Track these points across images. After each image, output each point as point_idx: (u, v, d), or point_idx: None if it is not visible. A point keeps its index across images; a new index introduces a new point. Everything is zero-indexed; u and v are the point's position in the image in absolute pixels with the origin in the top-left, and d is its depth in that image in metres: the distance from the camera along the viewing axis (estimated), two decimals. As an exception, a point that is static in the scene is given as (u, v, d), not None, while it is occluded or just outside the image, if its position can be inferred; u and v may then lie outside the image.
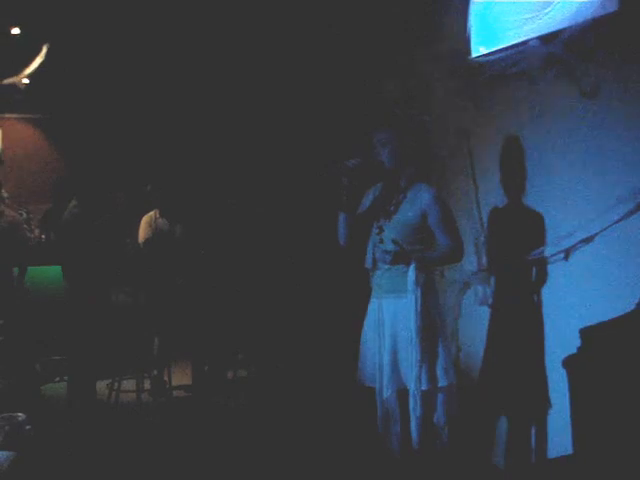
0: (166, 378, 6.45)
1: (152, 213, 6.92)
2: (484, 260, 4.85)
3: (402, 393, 3.77)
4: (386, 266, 3.80)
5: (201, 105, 8.01)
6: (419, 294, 3.69)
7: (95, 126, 8.52)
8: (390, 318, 3.79)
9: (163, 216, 6.88)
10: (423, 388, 3.68)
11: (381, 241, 3.81)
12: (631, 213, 3.54)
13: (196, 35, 7.35)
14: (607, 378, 3.05)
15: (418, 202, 3.75)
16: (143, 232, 6.85)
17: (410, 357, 3.69)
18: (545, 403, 4.28)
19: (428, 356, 3.71)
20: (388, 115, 4.55)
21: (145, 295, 6.41)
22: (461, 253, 3.79)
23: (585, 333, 3.22)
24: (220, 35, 7.25)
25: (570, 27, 3.72)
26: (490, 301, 4.74)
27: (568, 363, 3.34)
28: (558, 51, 3.82)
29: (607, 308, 3.71)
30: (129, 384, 6.18)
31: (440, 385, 3.73)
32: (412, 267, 3.65)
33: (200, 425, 5.66)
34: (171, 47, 7.57)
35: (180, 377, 6.84)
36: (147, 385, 6.54)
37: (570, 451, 3.99)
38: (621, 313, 3.58)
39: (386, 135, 3.81)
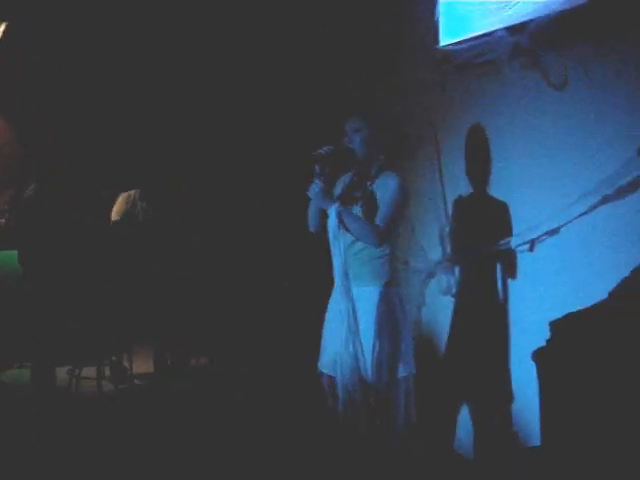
0: (127, 365, 6.35)
1: (133, 192, 6.61)
2: (449, 250, 4.85)
3: (362, 383, 3.73)
4: (350, 253, 3.77)
5: (183, 95, 7.84)
6: (381, 283, 3.68)
7: (56, 106, 8.29)
8: (353, 307, 3.76)
9: (143, 199, 6.61)
10: (384, 379, 3.67)
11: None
12: (595, 206, 3.54)
13: (176, 26, 7.23)
14: (577, 370, 3.04)
15: (385, 189, 3.72)
16: (117, 210, 6.56)
17: (371, 347, 3.67)
18: (508, 394, 4.29)
19: (389, 346, 3.68)
20: (360, 102, 4.52)
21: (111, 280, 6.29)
22: (379, 239, 3.62)
23: (556, 325, 3.20)
24: (200, 29, 7.13)
25: (538, 18, 3.71)
26: (454, 291, 4.74)
27: (538, 355, 3.31)
28: (525, 42, 3.81)
29: (572, 300, 3.72)
30: (90, 371, 6.09)
31: (400, 375, 3.71)
32: (332, 210, 3.62)
33: (161, 413, 5.54)
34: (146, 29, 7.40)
35: (142, 364, 6.76)
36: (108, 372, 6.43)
37: (534, 442, 4.04)
38: (585, 304, 3.60)
39: (359, 122, 3.76)
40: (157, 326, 6.53)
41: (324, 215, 3.72)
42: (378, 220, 3.64)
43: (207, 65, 7.13)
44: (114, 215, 6.59)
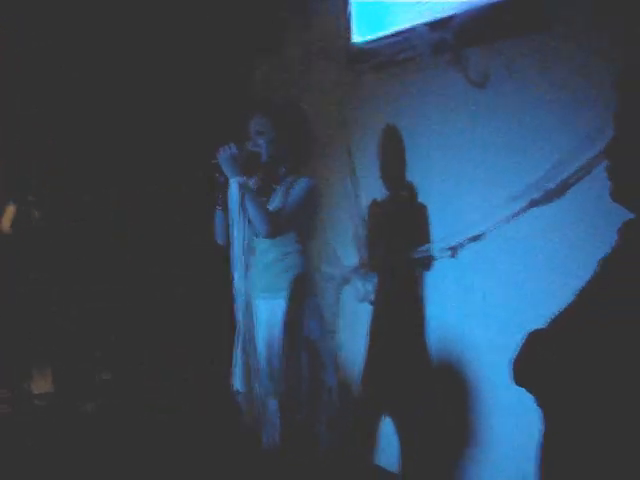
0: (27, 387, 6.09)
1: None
2: (364, 255, 4.69)
3: (279, 397, 3.60)
4: (262, 263, 3.57)
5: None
6: (290, 293, 3.53)
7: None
8: (264, 319, 3.60)
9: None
10: (300, 394, 3.54)
11: (257, 235, 3.56)
12: (523, 210, 3.41)
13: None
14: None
15: (291, 191, 3.53)
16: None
17: (286, 361, 3.53)
18: (431, 403, 4.16)
19: (306, 360, 3.55)
20: (264, 102, 4.32)
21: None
22: (270, 229, 3.43)
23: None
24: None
25: (461, 13, 3.57)
26: (371, 298, 4.60)
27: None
28: (447, 38, 3.67)
29: (496, 308, 3.64)
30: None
31: (319, 389, 3.59)
32: (234, 182, 3.40)
33: (65, 433, 5.32)
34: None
35: (42, 384, 6.42)
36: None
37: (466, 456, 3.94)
38: (509, 313, 3.51)
39: (262, 123, 3.57)
40: (54, 343, 6.24)
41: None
42: (277, 213, 3.47)
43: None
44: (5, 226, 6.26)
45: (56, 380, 6.27)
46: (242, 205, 3.38)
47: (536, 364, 1.76)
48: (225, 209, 3.52)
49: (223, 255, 3.64)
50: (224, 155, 3.40)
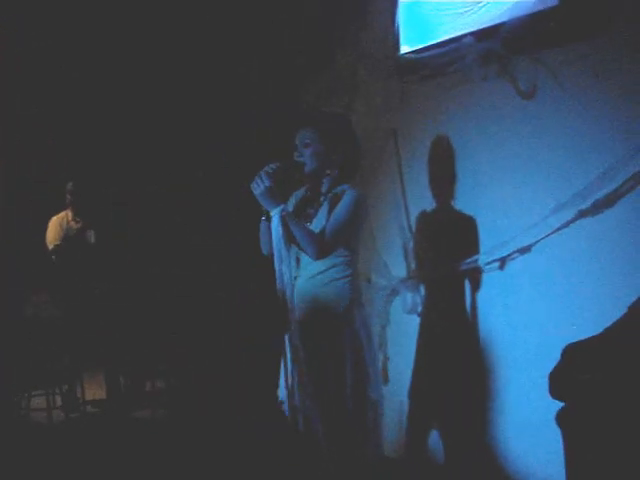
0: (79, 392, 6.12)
1: (63, 214, 6.48)
2: (413, 266, 4.67)
3: (323, 409, 3.50)
4: (308, 274, 3.55)
5: (124, 100, 7.59)
6: (336, 304, 3.46)
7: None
8: (311, 330, 3.54)
9: (76, 219, 6.46)
10: (345, 406, 3.46)
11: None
12: (570, 221, 3.37)
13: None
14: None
15: (338, 204, 3.50)
16: (52, 235, 6.41)
17: (332, 373, 3.46)
18: (479, 415, 4.15)
19: (352, 372, 3.47)
20: (312, 114, 4.32)
21: (57, 306, 6.06)
22: (318, 251, 3.39)
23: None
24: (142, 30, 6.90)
25: (509, 22, 3.54)
26: (419, 309, 4.56)
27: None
28: (495, 48, 3.63)
29: (546, 320, 3.58)
30: (39, 401, 5.82)
31: (365, 401, 3.50)
32: (276, 214, 3.38)
33: (115, 441, 5.33)
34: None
35: (94, 391, 6.50)
36: (59, 401, 6.16)
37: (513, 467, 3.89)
38: (560, 325, 3.45)
39: (309, 135, 3.56)
40: (108, 350, 6.32)
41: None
42: (324, 232, 3.41)
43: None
44: (50, 241, 6.41)
45: (108, 387, 6.36)
46: (287, 238, 3.35)
47: (571, 378, 1.73)
48: (269, 219, 3.52)
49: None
50: (258, 190, 3.36)
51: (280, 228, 3.32)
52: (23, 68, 6.87)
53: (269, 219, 3.47)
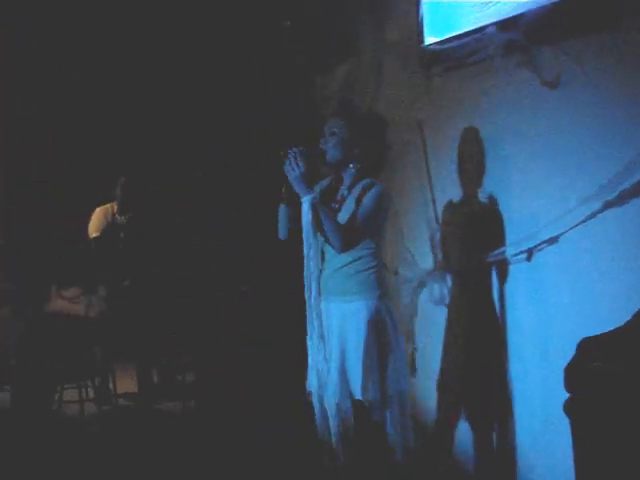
0: (111, 386, 6.13)
1: (108, 206, 6.43)
2: (440, 258, 4.66)
3: (351, 400, 3.55)
4: (333, 267, 3.56)
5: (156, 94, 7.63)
6: (361, 296, 3.48)
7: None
8: (337, 323, 3.56)
9: (122, 213, 6.43)
10: (372, 397, 3.48)
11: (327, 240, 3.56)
12: (597, 212, 3.34)
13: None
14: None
15: (362, 197, 3.50)
16: (96, 226, 6.37)
17: (361, 366, 3.47)
18: (507, 407, 4.13)
19: (379, 364, 3.50)
20: (342, 104, 4.32)
21: (92, 299, 6.09)
22: (342, 243, 3.42)
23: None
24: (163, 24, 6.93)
25: (530, 11, 3.51)
26: (447, 301, 4.55)
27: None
28: (518, 38, 3.61)
29: (573, 312, 3.56)
30: (72, 393, 5.85)
31: (393, 392, 3.53)
32: (307, 200, 3.37)
33: (148, 433, 5.39)
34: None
35: (126, 384, 6.55)
36: (91, 394, 6.22)
37: (534, 461, 3.87)
38: (587, 316, 3.43)
39: (337, 123, 3.56)
40: (139, 343, 6.36)
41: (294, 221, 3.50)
42: (349, 226, 3.45)
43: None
44: (93, 231, 6.40)
45: (140, 380, 6.38)
46: (315, 225, 3.38)
47: (586, 371, 1.72)
48: (289, 204, 3.55)
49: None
50: (293, 175, 3.39)
51: (310, 215, 3.35)
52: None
53: (288, 201, 3.50)
